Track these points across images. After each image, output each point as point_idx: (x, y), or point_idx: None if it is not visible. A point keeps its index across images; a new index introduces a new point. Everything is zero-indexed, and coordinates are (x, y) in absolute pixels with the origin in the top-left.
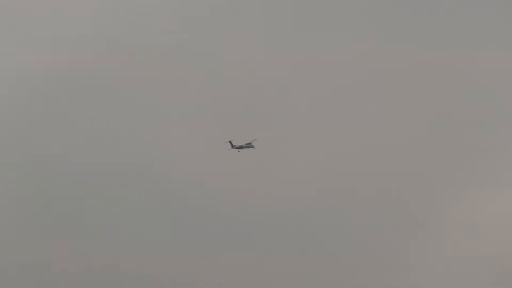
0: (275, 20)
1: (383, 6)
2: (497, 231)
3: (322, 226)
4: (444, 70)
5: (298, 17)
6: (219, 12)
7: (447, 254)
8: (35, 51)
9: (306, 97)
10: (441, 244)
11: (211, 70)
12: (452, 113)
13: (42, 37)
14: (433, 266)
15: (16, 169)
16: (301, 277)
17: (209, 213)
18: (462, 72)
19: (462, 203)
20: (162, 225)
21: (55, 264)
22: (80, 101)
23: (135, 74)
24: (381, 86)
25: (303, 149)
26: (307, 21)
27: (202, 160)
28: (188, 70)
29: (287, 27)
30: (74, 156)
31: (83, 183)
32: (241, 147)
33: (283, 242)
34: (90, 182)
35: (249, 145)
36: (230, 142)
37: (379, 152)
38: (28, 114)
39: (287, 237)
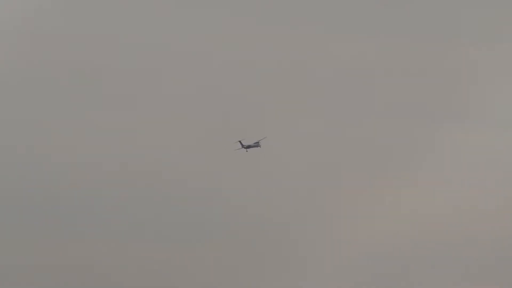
0: (274, 18)
1: None
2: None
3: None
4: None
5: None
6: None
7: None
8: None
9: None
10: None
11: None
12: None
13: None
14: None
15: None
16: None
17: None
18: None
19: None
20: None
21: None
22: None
23: (132, 69)
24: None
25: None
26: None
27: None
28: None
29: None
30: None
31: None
32: (249, 146)
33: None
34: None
35: (256, 144)
36: (240, 141)
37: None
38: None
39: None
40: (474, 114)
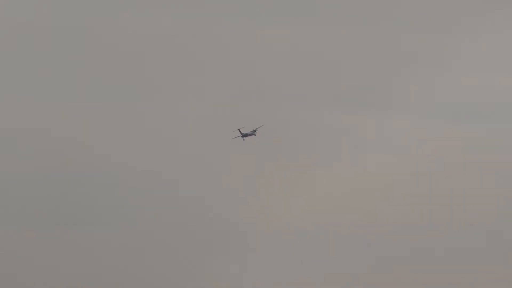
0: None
1: None
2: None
3: None
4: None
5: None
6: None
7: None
8: None
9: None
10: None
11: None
12: None
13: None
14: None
15: None
16: None
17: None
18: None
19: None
20: None
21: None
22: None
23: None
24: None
25: None
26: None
27: None
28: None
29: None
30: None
31: None
32: (245, 135)
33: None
34: None
35: (252, 133)
36: (239, 130)
37: None
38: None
39: None
40: (395, 103)
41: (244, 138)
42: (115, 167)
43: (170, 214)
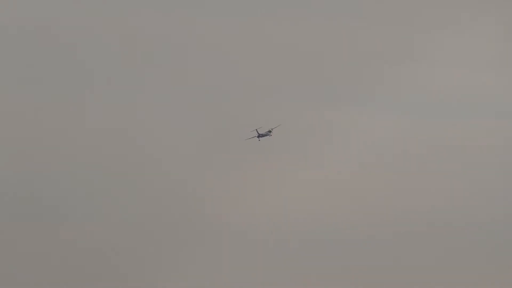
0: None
1: None
2: None
3: None
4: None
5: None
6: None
7: None
8: None
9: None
10: None
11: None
12: None
13: None
14: None
15: None
16: None
17: None
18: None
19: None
20: None
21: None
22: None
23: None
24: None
25: None
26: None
27: None
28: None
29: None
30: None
31: None
32: (261, 135)
33: None
34: None
35: (267, 133)
36: (256, 130)
37: None
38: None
39: None
40: (387, 101)
41: (260, 138)
42: (113, 167)
43: (166, 213)
